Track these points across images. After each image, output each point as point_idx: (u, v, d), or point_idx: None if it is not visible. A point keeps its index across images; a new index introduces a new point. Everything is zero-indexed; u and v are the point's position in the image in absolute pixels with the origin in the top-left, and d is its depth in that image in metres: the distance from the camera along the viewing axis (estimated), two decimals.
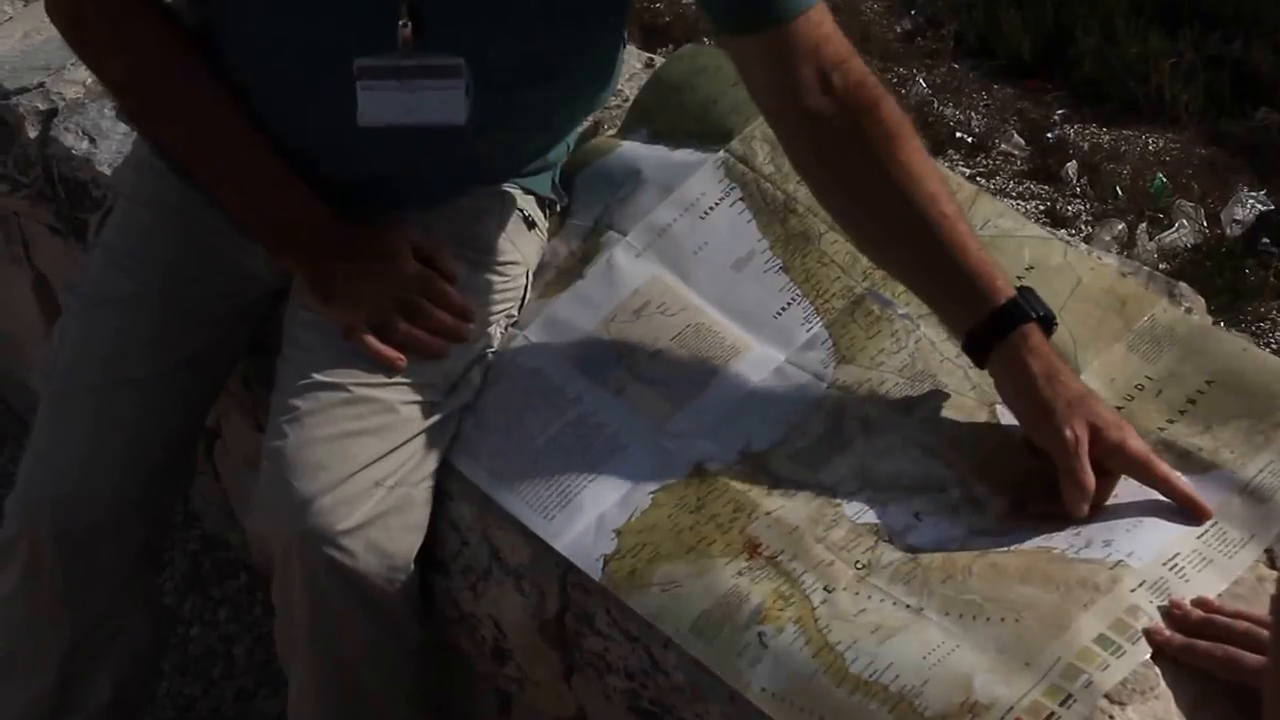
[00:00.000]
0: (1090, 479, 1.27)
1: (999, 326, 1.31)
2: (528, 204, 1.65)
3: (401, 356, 1.47)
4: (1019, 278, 1.50)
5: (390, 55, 1.37)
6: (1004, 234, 1.59)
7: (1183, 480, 1.29)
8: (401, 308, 1.48)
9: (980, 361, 1.34)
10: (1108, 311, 1.52)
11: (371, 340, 1.47)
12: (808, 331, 1.53)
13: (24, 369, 2.43)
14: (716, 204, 1.64)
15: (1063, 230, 3.69)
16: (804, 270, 1.57)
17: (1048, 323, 1.33)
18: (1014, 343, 1.30)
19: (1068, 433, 1.27)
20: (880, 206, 1.36)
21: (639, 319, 1.56)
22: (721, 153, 1.68)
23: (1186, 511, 1.28)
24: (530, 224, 1.65)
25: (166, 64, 1.48)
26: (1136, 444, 1.28)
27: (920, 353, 1.49)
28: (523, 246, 1.64)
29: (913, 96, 5.13)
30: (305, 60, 1.42)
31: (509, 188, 1.63)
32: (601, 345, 1.55)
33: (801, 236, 1.60)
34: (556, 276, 1.66)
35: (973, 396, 1.45)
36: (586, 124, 1.83)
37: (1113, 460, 1.28)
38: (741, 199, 1.65)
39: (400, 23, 1.36)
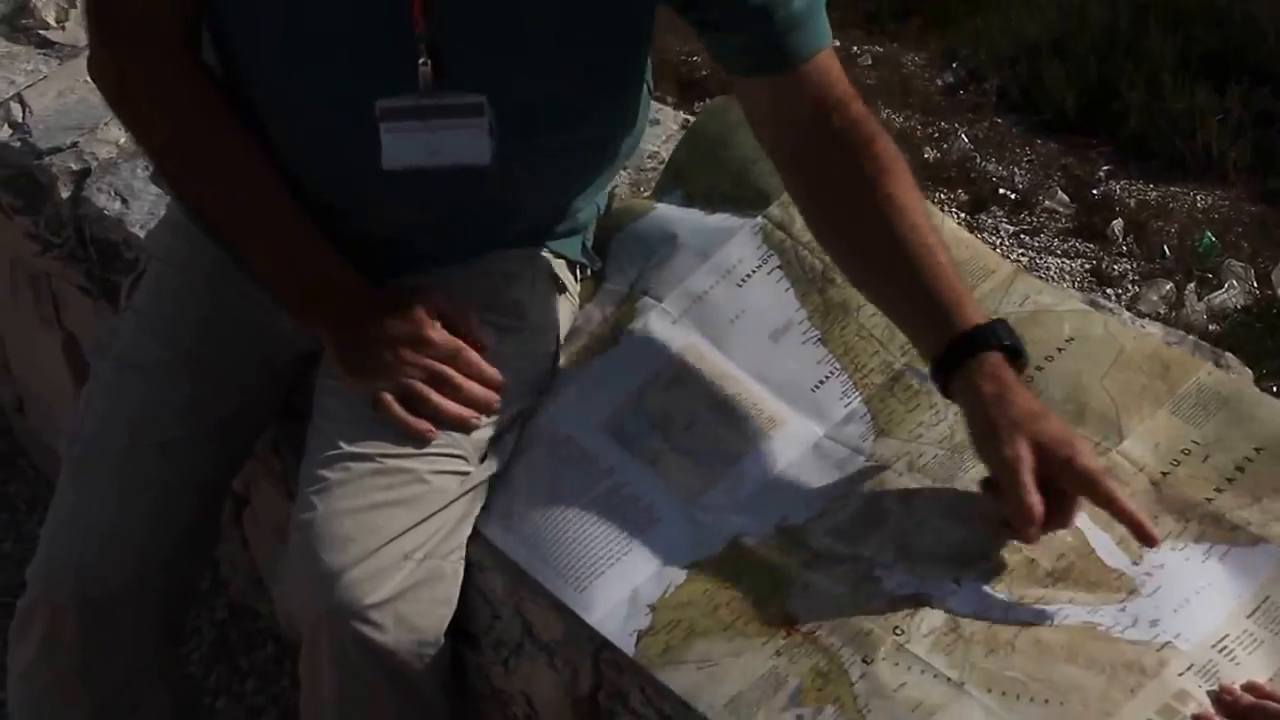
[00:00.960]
0: (1034, 499, 1.23)
1: (960, 352, 1.31)
2: (559, 268, 1.63)
3: (432, 428, 1.44)
4: (1058, 349, 1.50)
5: (411, 96, 1.37)
6: (1043, 309, 1.56)
7: (1130, 502, 1.25)
8: (430, 378, 1.45)
9: (945, 391, 1.34)
10: (1151, 378, 1.48)
11: (400, 412, 1.44)
12: (846, 407, 1.50)
13: (52, 431, 2.42)
14: (754, 271, 1.61)
15: (1109, 290, 3.64)
16: (842, 343, 1.55)
17: (1015, 353, 1.32)
18: (970, 367, 1.30)
19: (1008, 450, 1.24)
20: (864, 239, 1.39)
21: (674, 388, 1.53)
22: (759, 218, 1.65)
23: (1136, 535, 1.25)
24: (561, 288, 1.63)
25: (205, 126, 1.47)
26: (1085, 461, 1.25)
27: (959, 425, 1.45)
28: (553, 312, 1.61)
29: (955, 151, 5.09)
30: (327, 105, 1.41)
31: (541, 251, 1.61)
32: (636, 414, 1.52)
33: (840, 308, 1.58)
34: (590, 342, 1.63)
35: None
36: (617, 184, 1.81)
37: (1063, 477, 1.25)
38: (779, 267, 1.62)
39: (420, 61, 1.35)
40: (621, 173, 1.91)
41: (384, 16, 1.35)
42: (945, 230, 1.63)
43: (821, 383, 1.52)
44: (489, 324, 1.52)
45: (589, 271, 1.70)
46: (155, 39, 1.45)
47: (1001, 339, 1.32)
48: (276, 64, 1.43)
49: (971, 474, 1.40)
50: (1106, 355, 1.50)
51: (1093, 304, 1.60)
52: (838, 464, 1.46)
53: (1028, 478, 1.24)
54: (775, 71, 1.40)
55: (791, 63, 1.39)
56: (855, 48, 8.43)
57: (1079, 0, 6.24)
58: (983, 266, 1.61)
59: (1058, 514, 1.26)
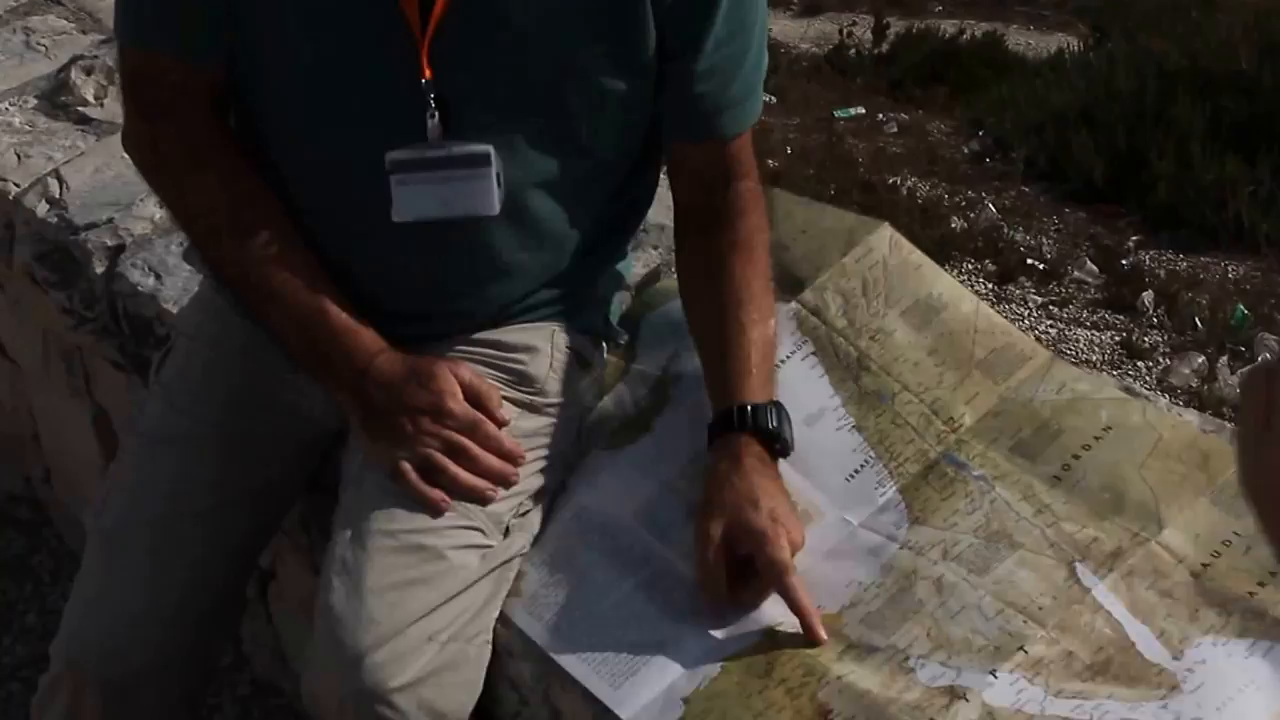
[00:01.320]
0: (709, 574, 1.37)
1: (719, 426, 1.44)
2: (580, 342, 1.62)
3: (446, 499, 1.43)
4: (1095, 437, 1.49)
5: (420, 147, 1.39)
6: (1080, 396, 1.55)
7: (804, 597, 1.34)
8: (448, 449, 1.45)
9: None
10: (1190, 467, 1.47)
11: (416, 480, 1.43)
12: (881, 497, 1.49)
13: (79, 503, 2.43)
14: (788, 357, 1.60)
15: (1139, 363, 3.62)
16: (877, 431, 1.54)
17: (772, 438, 1.43)
18: (719, 443, 1.43)
19: (702, 526, 1.38)
20: (695, 300, 1.54)
21: None
22: (793, 303, 1.65)
23: (805, 631, 1.34)
24: (584, 362, 1.62)
25: (233, 191, 1.49)
26: (771, 552, 1.34)
27: (995, 513, 1.44)
28: (575, 387, 1.60)
29: (982, 221, 5.09)
30: (340, 159, 1.43)
31: (560, 324, 1.60)
32: (670, 503, 1.50)
33: (875, 395, 1.57)
34: (622, 426, 1.62)
35: (1050, 555, 1.40)
36: (650, 268, 1.81)
37: (756, 564, 1.36)
38: (814, 353, 1.61)
39: (428, 113, 1.37)
40: (653, 251, 1.91)
41: (393, 69, 1.37)
42: (981, 316, 1.62)
43: (856, 471, 1.51)
44: (509, 399, 1.52)
45: (613, 344, 1.70)
46: (186, 108, 1.47)
47: (760, 423, 1.41)
48: (291, 121, 1.45)
49: (1008, 563, 1.38)
50: (1144, 444, 1.49)
51: (1129, 391, 1.58)
52: (872, 551, 1.44)
53: (709, 555, 1.36)
54: (697, 139, 1.50)
55: (713, 136, 1.49)
56: (881, 115, 8.47)
57: (1106, 69, 6.26)
58: (1019, 353, 1.60)
59: (749, 593, 1.38)
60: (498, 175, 1.40)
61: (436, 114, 1.37)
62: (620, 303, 1.73)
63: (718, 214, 1.51)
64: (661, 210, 1.64)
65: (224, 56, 1.45)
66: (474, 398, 1.47)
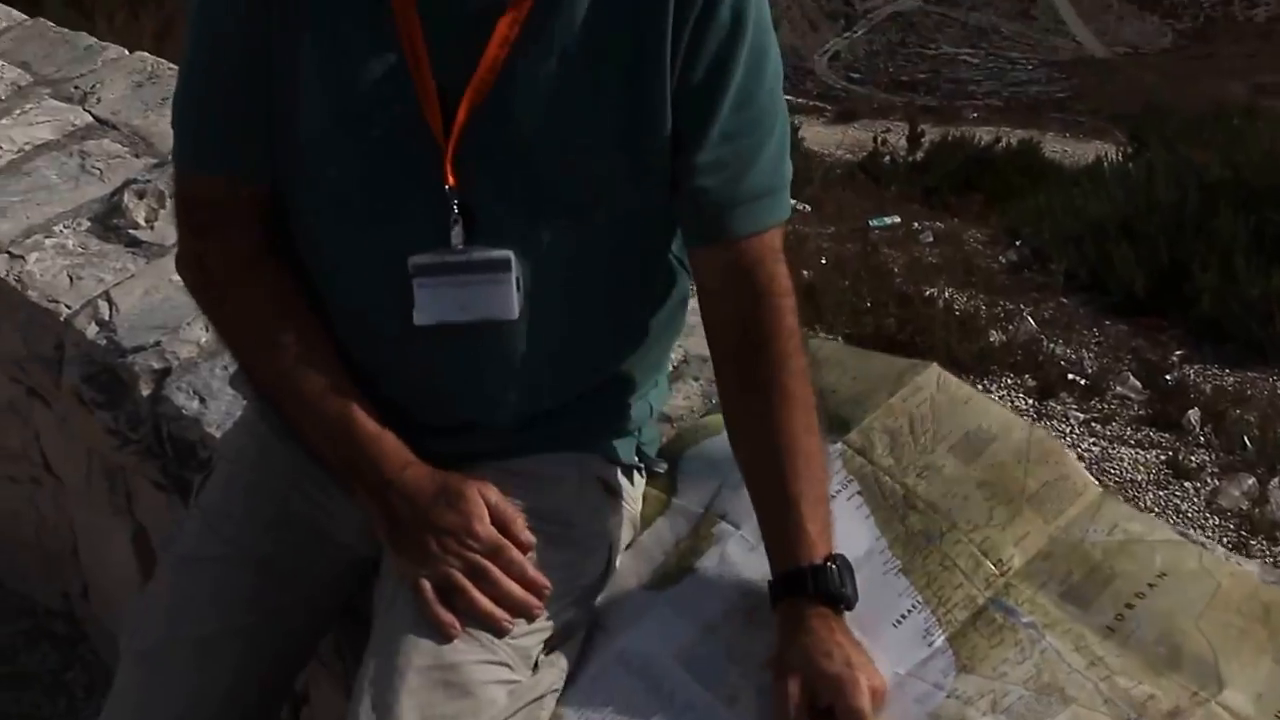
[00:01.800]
0: None
1: (780, 589, 1.42)
2: (610, 473, 1.61)
3: (455, 624, 1.40)
4: (1149, 584, 1.45)
5: (442, 252, 1.40)
6: (1133, 539, 1.52)
7: None
8: (470, 570, 1.43)
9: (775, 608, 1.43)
10: (1251, 621, 1.43)
11: (431, 599, 1.41)
12: (929, 644, 1.45)
13: (116, 619, 2.42)
14: (834, 496, 1.58)
15: (1186, 484, 3.57)
16: (925, 574, 1.51)
17: (836, 599, 1.39)
18: (781, 605, 1.41)
19: (779, 686, 1.34)
20: (742, 441, 1.49)
21: (754, 622, 1.48)
22: (839, 444, 1.63)
23: None
24: (613, 493, 1.61)
25: (274, 305, 1.50)
26: (851, 702, 1.32)
27: (1046, 663, 1.40)
28: (604, 520, 1.59)
29: (1021, 333, 5.06)
30: (364, 264, 1.44)
31: (589, 454, 1.59)
32: (714, 647, 1.48)
33: (922, 536, 1.54)
34: (663, 565, 1.60)
35: (1105, 712, 1.36)
36: (682, 401, 1.80)
37: (837, 714, 1.33)
38: (860, 493, 1.59)
39: (452, 219, 1.38)
40: (694, 384, 1.90)
41: (417, 176, 1.38)
42: (1034, 444, 1.60)
43: (903, 617, 1.48)
44: (535, 530, 1.50)
45: (649, 477, 1.68)
46: (233, 226, 1.49)
47: (822, 587, 1.39)
48: (317, 227, 1.47)
49: (1061, 719, 1.35)
50: (1201, 593, 1.45)
51: (1184, 535, 1.56)
52: (919, 699, 1.41)
53: (791, 713, 1.33)
54: (708, 241, 1.44)
55: (724, 236, 1.43)
56: (916, 224, 8.51)
57: (1145, 180, 6.27)
58: (1071, 487, 1.57)
59: None
60: (518, 280, 1.41)
61: (460, 220, 1.39)
62: (656, 434, 1.72)
63: (750, 335, 1.45)
64: (703, 342, 1.63)
65: (269, 177, 1.47)
66: (500, 522, 1.46)
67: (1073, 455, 1.62)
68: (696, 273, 1.50)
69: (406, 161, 1.38)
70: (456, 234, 1.39)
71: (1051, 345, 4.89)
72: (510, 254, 1.40)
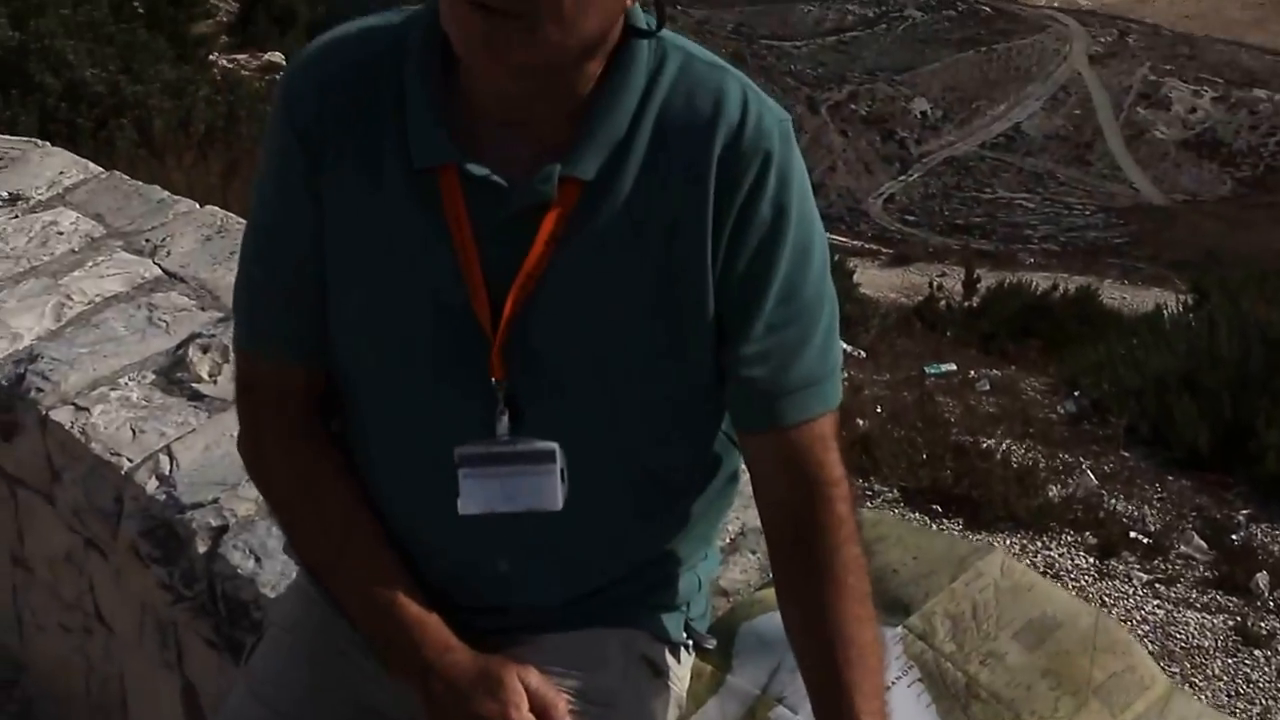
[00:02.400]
0: None
1: None
2: (656, 651, 1.58)
3: None
4: None
5: (488, 442, 1.40)
6: None
7: None
8: None
9: None
10: None
11: None
12: None
13: None
14: (894, 682, 1.55)
15: (1256, 651, 3.47)
16: None
17: None
18: None
19: None
20: (797, 628, 1.44)
21: None
22: (900, 628, 1.60)
23: None
24: (659, 672, 1.58)
25: (322, 485, 1.51)
26: None
27: None
28: (650, 700, 1.55)
29: (1080, 488, 5.00)
30: (410, 452, 1.45)
31: (635, 630, 1.57)
32: None
33: None
34: None
35: None
36: (739, 574, 1.78)
37: None
38: (920, 679, 1.56)
39: (498, 410, 1.38)
40: (750, 556, 1.88)
41: (464, 368, 1.39)
42: (1101, 632, 1.56)
43: None
44: (576, 711, 1.47)
45: (694, 652, 1.65)
46: (285, 407, 1.51)
47: None
48: (364, 414, 1.48)
49: None
50: None
51: None
52: None
53: None
54: (758, 429, 1.42)
55: (774, 425, 1.41)
56: (972, 371, 8.48)
57: (1207, 333, 6.23)
58: (1138, 680, 1.53)
59: None
60: (562, 471, 1.41)
61: (506, 411, 1.39)
62: (706, 607, 1.69)
63: (801, 525, 1.43)
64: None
65: (322, 362, 1.49)
66: (540, 707, 1.43)
67: (1140, 647, 1.57)
68: (746, 458, 1.49)
69: (454, 353, 1.40)
70: (502, 425, 1.39)
71: (1112, 501, 4.82)
72: (555, 446, 1.40)
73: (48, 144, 3.61)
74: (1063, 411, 6.76)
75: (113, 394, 2.45)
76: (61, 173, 3.33)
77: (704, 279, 1.37)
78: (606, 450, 1.43)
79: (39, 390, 2.45)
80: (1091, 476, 5.16)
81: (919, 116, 48.15)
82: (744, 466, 1.53)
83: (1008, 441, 5.64)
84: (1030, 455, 5.36)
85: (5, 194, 3.21)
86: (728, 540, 1.89)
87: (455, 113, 1.36)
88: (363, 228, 1.39)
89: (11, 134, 7.38)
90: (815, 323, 1.41)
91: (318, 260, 1.42)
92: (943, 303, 12.97)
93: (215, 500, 2.17)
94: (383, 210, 1.38)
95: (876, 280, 17.46)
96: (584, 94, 1.34)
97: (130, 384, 2.47)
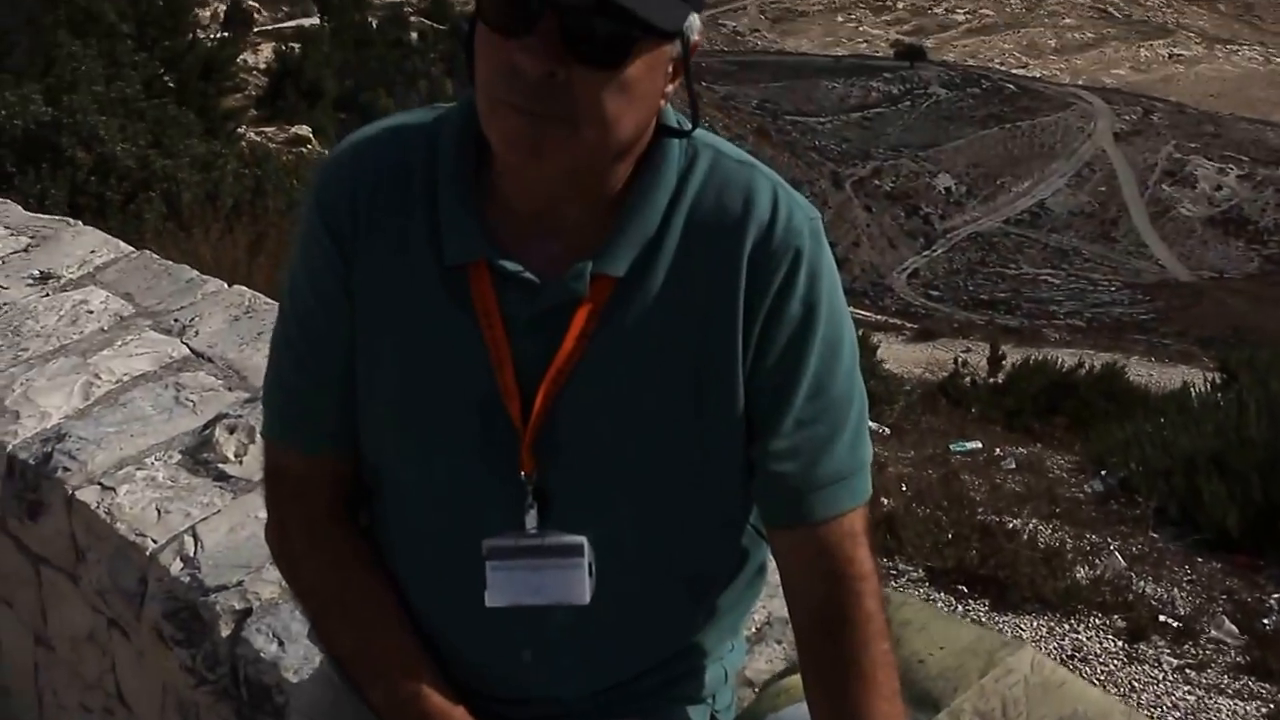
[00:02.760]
0: None
1: None
2: None
3: None
4: None
5: (517, 535, 1.39)
6: None
7: None
8: None
9: None
10: None
11: None
12: None
13: None
14: None
15: None
16: None
17: None
18: None
19: None
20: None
21: None
22: None
23: None
24: None
25: (347, 577, 1.50)
26: None
27: None
28: None
29: (1108, 570, 4.95)
30: (438, 544, 1.44)
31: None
32: None
33: None
34: None
35: None
36: (764, 664, 1.76)
37: None
38: None
39: (527, 504, 1.38)
40: (776, 646, 1.86)
41: (494, 461, 1.39)
42: None
43: None
44: None
45: None
46: (311, 498, 1.51)
47: None
48: (392, 504, 1.48)
49: None
50: None
51: None
52: None
53: None
54: (787, 524, 1.41)
55: (803, 521, 1.40)
56: (998, 449, 8.43)
57: (1236, 414, 6.19)
58: None
59: None
60: (590, 565, 1.40)
61: (535, 505, 1.39)
62: (732, 698, 1.67)
63: (830, 621, 1.42)
64: (785, 604, 1.60)
65: (351, 453, 1.49)
66: None
67: None
68: (775, 553, 1.48)
69: (484, 447, 1.40)
70: (531, 518, 1.39)
71: (1141, 583, 4.77)
72: (584, 540, 1.40)
73: (79, 223, 3.65)
74: (1089, 490, 6.72)
75: (139, 474, 2.45)
76: (93, 251, 3.37)
77: (734, 375, 1.37)
78: (634, 544, 1.43)
79: (65, 469, 2.46)
80: (1120, 558, 5.11)
81: (943, 192, 48.39)
82: (772, 559, 1.52)
83: (1034, 521, 5.60)
84: (1057, 535, 5.32)
85: (37, 272, 3.25)
86: (753, 630, 1.88)
87: (487, 209, 1.37)
88: (394, 322, 1.40)
89: (41, 207, 7.51)
90: (845, 418, 1.41)
91: (348, 354, 1.43)
92: (967, 379, 12.94)
93: (239, 583, 2.16)
94: (415, 304, 1.39)
95: (900, 355, 17.44)
96: (616, 192, 1.35)
97: (156, 464, 2.48)
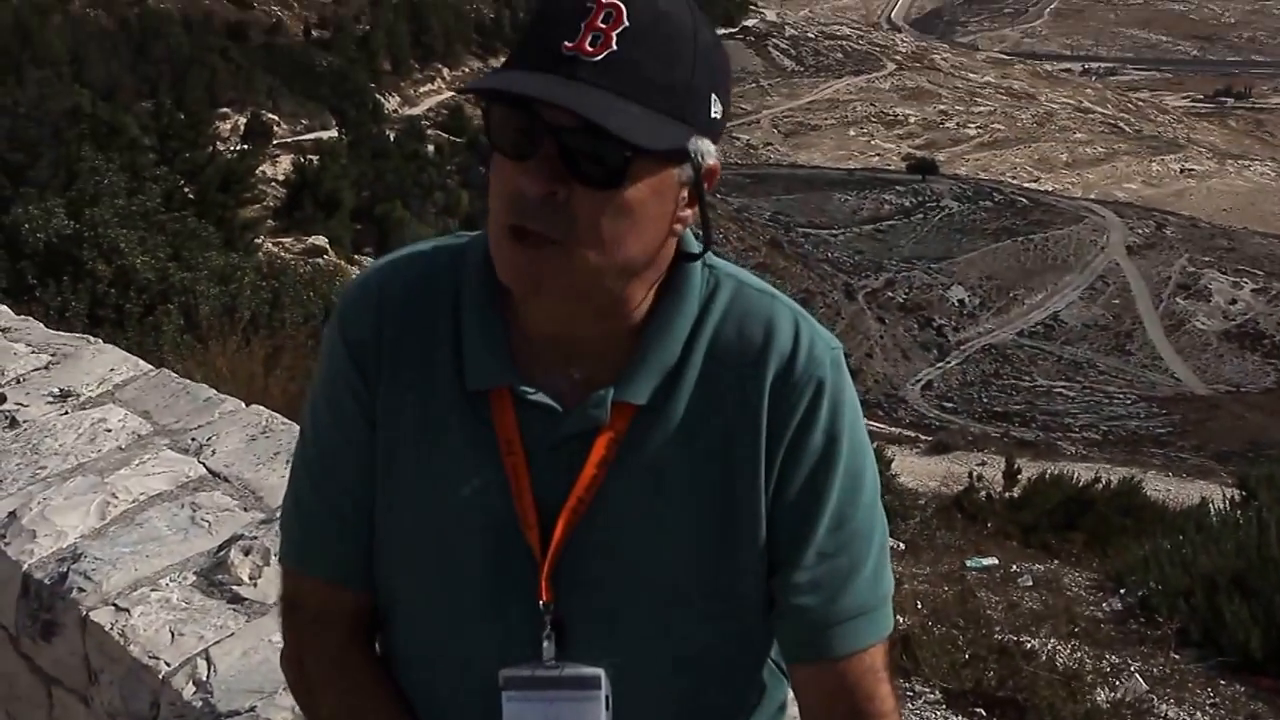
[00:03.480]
0: None
1: None
2: None
3: None
4: None
5: (533, 666, 1.38)
6: None
7: None
8: None
9: None
10: None
11: None
12: None
13: None
14: None
15: None
16: None
17: None
18: None
19: None
20: None
21: None
22: None
23: None
24: None
25: (366, 707, 1.48)
26: None
27: None
28: None
29: (1129, 692, 4.87)
30: (454, 672, 1.43)
31: None
32: None
33: None
34: None
35: None
36: None
37: None
38: None
39: (544, 634, 1.37)
40: None
41: (512, 591, 1.38)
42: None
43: None
44: None
45: None
46: (330, 628, 1.50)
47: None
48: (407, 631, 1.47)
49: None
50: None
51: None
52: None
53: None
54: (807, 659, 1.40)
55: (822, 656, 1.38)
56: (1014, 565, 8.35)
57: (1257, 533, 6.14)
58: None
59: None
60: (607, 698, 1.39)
61: (553, 635, 1.38)
62: None
63: None
64: None
65: (370, 582, 1.48)
66: None
67: None
68: (795, 688, 1.46)
69: (502, 576, 1.39)
70: (548, 648, 1.38)
71: (1164, 706, 4.69)
72: (601, 672, 1.38)
73: (99, 340, 3.68)
74: (1108, 610, 6.63)
75: (153, 595, 2.44)
76: (112, 369, 3.38)
77: (755, 507, 1.36)
78: (652, 678, 1.41)
79: (80, 590, 2.45)
80: (1141, 680, 5.03)
81: (956, 304, 48.57)
82: (793, 695, 1.50)
83: (1053, 640, 5.52)
84: (1076, 656, 5.24)
85: (57, 390, 3.27)
86: None
87: (509, 335, 1.38)
88: (414, 447, 1.40)
89: (61, 318, 7.56)
90: (866, 551, 1.40)
91: (369, 484, 1.43)
92: (983, 493, 12.86)
93: (252, 708, 2.14)
94: (435, 429, 1.39)
95: (915, 468, 17.37)
96: (637, 318, 1.36)
97: (171, 585, 2.46)
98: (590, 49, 1.20)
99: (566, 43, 1.21)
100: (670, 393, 1.35)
